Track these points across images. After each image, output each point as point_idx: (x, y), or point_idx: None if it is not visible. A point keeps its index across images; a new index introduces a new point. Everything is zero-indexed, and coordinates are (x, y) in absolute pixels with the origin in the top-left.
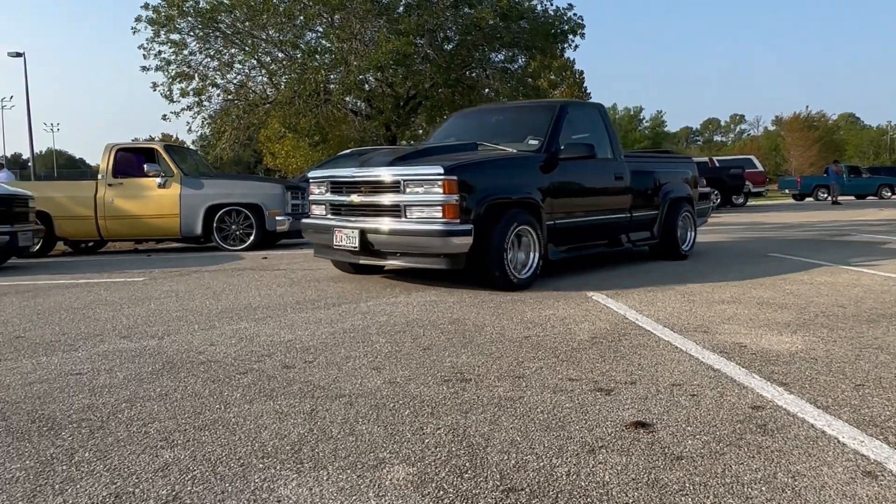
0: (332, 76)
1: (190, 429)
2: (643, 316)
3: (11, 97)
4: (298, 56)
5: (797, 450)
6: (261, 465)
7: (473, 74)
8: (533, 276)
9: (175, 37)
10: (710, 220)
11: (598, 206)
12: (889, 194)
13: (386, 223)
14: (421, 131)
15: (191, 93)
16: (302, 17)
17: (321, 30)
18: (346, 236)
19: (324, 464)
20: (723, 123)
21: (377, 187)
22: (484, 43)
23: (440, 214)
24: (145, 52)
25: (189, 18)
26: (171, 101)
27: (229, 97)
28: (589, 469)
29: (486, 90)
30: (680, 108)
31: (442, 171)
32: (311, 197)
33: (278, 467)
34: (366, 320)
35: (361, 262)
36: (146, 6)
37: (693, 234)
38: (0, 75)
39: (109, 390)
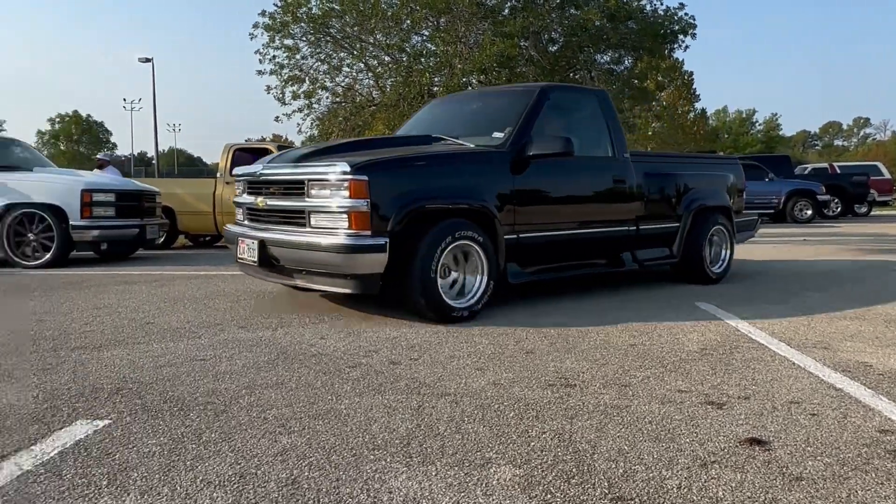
0: (436, 79)
1: (305, 417)
2: (756, 329)
3: (140, 99)
4: (404, 59)
5: None
6: (372, 457)
7: (578, 76)
8: (478, 304)
9: (289, 42)
10: (829, 230)
11: (587, 215)
12: None
13: (287, 233)
14: None
15: (301, 95)
16: (409, 21)
17: (427, 33)
18: (248, 247)
19: (432, 459)
20: (845, 127)
21: (281, 188)
22: (590, 44)
23: (346, 224)
24: (261, 57)
25: (302, 24)
26: (284, 103)
27: (337, 99)
28: (701, 484)
29: None
30: (797, 112)
31: (348, 168)
32: (234, 199)
33: (388, 459)
34: (469, 321)
35: (269, 280)
36: (263, 13)
37: (728, 251)
38: (131, 79)
39: (230, 376)
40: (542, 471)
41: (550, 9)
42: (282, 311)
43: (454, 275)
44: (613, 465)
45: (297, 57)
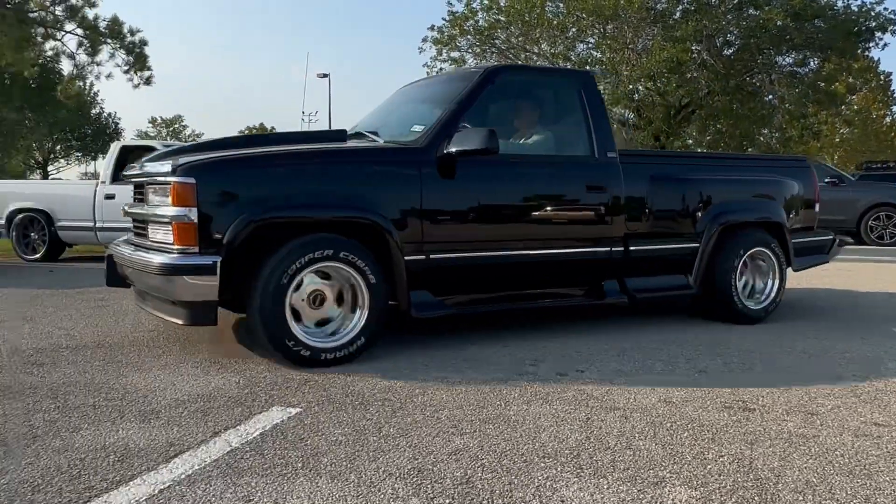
0: (601, 88)
1: (476, 420)
2: None
3: (316, 112)
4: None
5: None
6: (542, 465)
7: (755, 80)
8: (351, 346)
9: (455, 54)
10: None
11: (541, 233)
12: None
13: (132, 247)
14: (692, 141)
15: None
16: (574, 30)
17: (593, 41)
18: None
19: (603, 472)
20: None
21: (135, 193)
22: (770, 45)
23: (171, 238)
24: (429, 70)
25: (468, 37)
26: None
27: None
28: None
29: (770, 97)
30: None
31: (169, 169)
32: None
33: (559, 469)
34: (630, 336)
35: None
36: (432, 27)
37: (775, 282)
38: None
39: (403, 376)
40: (721, 495)
41: (726, 10)
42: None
43: (331, 308)
44: (800, 497)
45: (463, 68)
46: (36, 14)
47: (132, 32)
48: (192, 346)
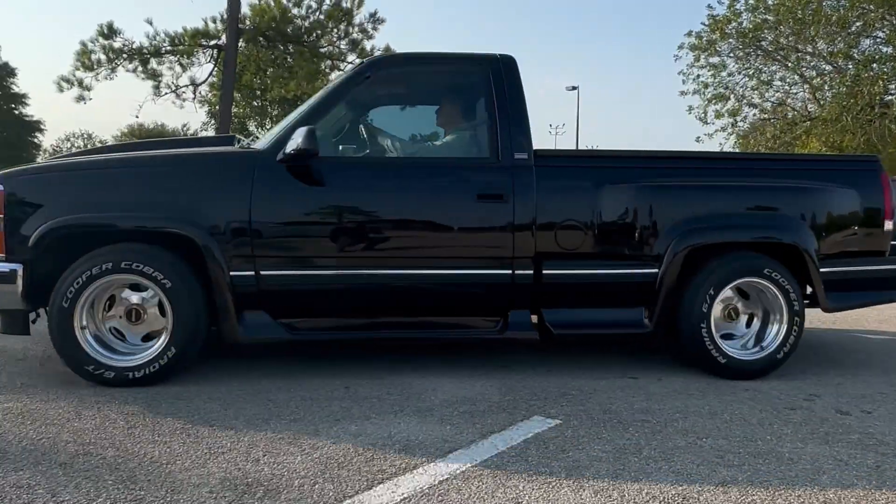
0: (892, 86)
1: (744, 453)
2: None
3: (563, 125)
4: (850, 67)
5: None
6: None
7: None
8: (152, 368)
9: (714, 59)
10: None
11: (416, 251)
12: None
13: None
14: None
15: (725, 114)
16: (859, 24)
17: (882, 35)
18: None
19: None
20: None
21: None
22: None
23: None
24: (684, 78)
25: (730, 40)
26: (705, 122)
27: (765, 116)
28: None
29: None
30: None
31: None
32: None
33: None
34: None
35: None
36: (690, 33)
37: (781, 327)
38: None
39: (662, 398)
40: None
41: None
42: None
43: (107, 324)
44: None
45: (723, 74)
46: (326, 49)
47: None
48: (451, 351)
